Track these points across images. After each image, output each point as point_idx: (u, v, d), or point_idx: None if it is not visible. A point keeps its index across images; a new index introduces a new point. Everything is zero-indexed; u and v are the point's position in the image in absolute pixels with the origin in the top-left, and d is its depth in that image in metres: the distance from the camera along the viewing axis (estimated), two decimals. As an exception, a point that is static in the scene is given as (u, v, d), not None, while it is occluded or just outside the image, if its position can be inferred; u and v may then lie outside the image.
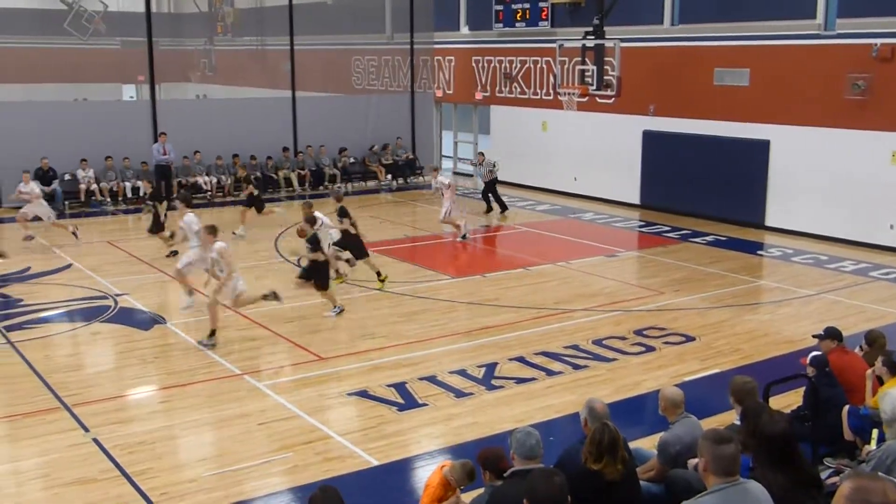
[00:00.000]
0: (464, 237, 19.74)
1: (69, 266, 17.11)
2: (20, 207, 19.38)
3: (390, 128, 28.31)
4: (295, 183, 26.12)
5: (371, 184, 27.37)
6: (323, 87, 31.56)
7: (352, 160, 27.46)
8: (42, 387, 11.03)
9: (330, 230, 15.34)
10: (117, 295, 15.06)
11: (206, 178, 25.02)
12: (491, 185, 23.10)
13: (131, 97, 38.88)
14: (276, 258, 18.12)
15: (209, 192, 24.90)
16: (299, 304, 14.70)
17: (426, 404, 10.54)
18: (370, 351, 12.41)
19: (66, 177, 23.42)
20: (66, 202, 23.03)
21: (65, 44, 37.50)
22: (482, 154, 24.02)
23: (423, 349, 12.50)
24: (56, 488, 8.53)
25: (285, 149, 26.45)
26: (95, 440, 9.49)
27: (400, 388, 10.99)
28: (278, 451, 9.31)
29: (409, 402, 10.58)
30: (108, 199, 23.69)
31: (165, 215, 18.45)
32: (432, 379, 11.30)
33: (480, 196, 23.60)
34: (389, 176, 27.73)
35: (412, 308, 14.56)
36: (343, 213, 15.71)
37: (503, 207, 23.09)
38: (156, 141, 23.93)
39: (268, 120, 26.45)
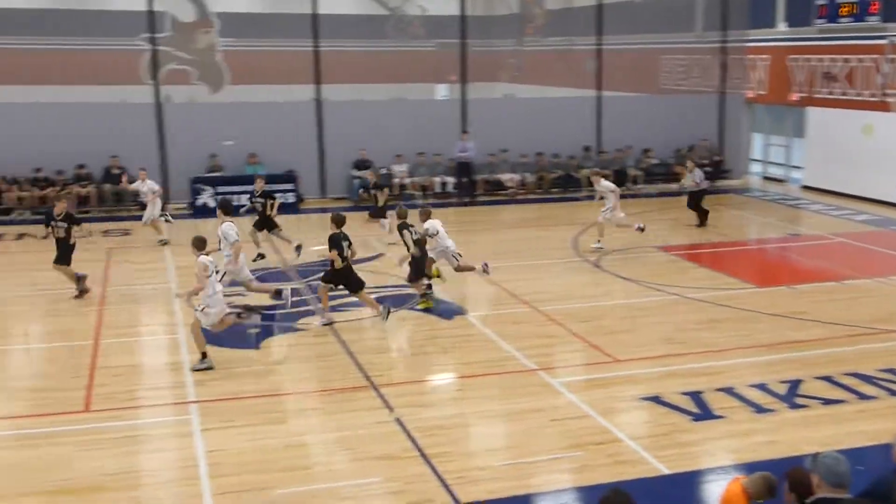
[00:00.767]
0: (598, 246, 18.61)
1: (381, 255, 18.24)
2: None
3: (697, 129, 27.51)
4: (596, 183, 26.09)
5: (675, 185, 26.73)
6: (628, 86, 31.26)
7: (655, 161, 27.01)
8: (353, 366, 11.87)
9: (447, 241, 15.05)
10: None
11: (510, 176, 25.65)
12: (699, 195, 21.35)
13: (444, 96, 40.67)
14: (575, 258, 18.19)
15: (512, 189, 25.51)
16: (595, 305, 14.73)
17: (722, 416, 10.17)
18: (666, 356, 12.15)
19: (383, 170, 24.98)
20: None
21: (387, 47, 39.98)
22: (692, 161, 22.39)
23: (721, 359, 12.06)
24: (363, 461, 9.16)
25: (587, 148, 26.54)
26: (398, 420, 10.06)
27: (695, 396, 10.68)
28: (569, 448, 9.39)
29: (704, 413, 10.26)
30: (419, 193, 24.95)
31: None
32: (730, 391, 10.87)
33: (687, 206, 21.64)
34: (694, 178, 26.93)
35: (712, 315, 14.08)
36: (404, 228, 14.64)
37: (703, 222, 21.27)
38: (464, 139, 25.00)
39: (571, 119, 26.66)
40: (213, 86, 32.95)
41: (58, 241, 14.80)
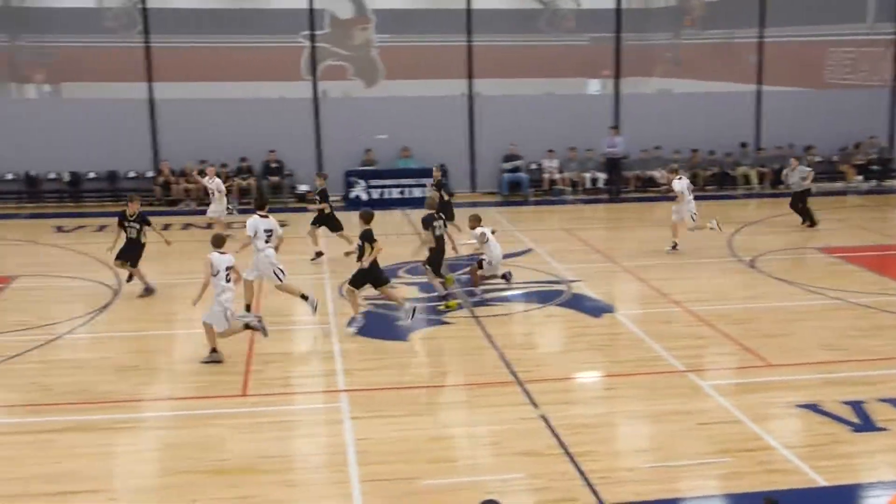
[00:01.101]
0: (674, 246, 17.78)
1: (529, 250, 18.21)
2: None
3: (865, 125, 26.14)
4: (754, 180, 25.24)
5: (839, 185, 25.55)
6: (791, 80, 30.02)
7: (818, 159, 25.82)
8: (500, 360, 11.90)
9: (496, 249, 14.72)
10: (571, 281, 15.72)
11: (663, 172, 25.07)
12: (801, 196, 19.99)
13: (596, 91, 40.24)
14: (730, 257, 17.64)
15: (665, 187, 24.91)
16: (749, 307, 14.26)
17: (886, 429, 9.64)
18: (826, 363, 11.61)
19: (532, 166, 24.95)
20: (532, 189, 24.57)
21: (539, 41, 39.84)
22: (797, 159, 20.85)
23: (886, 368, 11.43)
24: (506, 456, 9.17)
25: (744, 144, 25.68)
26: (543, 417, 10.02)
27: (856, 406, 10.15)
28: (717, 454, 9.11)
29: (865, 424, 9.75)
30: (570, 189, 24.76)
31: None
32: (895, 402, 10.28)
33: (790, 207, 20.35)
34: (860, 177, 25.65)
35: (877, 322, 13.35)
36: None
37: (812, 221, 19.91)
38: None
39: (729, 114, 25.83)
40: (369, 81, 33.69)
41: (129, 240, 15.12)
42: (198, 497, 8.35)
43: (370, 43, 33.96)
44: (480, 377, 11.38)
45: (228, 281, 11.85)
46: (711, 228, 17.81)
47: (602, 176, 24.82)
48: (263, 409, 10.46)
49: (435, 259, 14.47)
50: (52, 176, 23.72)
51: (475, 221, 14.86)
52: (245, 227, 13.68)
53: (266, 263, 13.40)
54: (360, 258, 12.96)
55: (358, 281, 13.06)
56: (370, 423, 9.95)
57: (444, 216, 15.08)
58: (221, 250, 11.91)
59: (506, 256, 17.40)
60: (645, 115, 25.33)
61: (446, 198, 18.59)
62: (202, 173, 20.27)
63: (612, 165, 24.63)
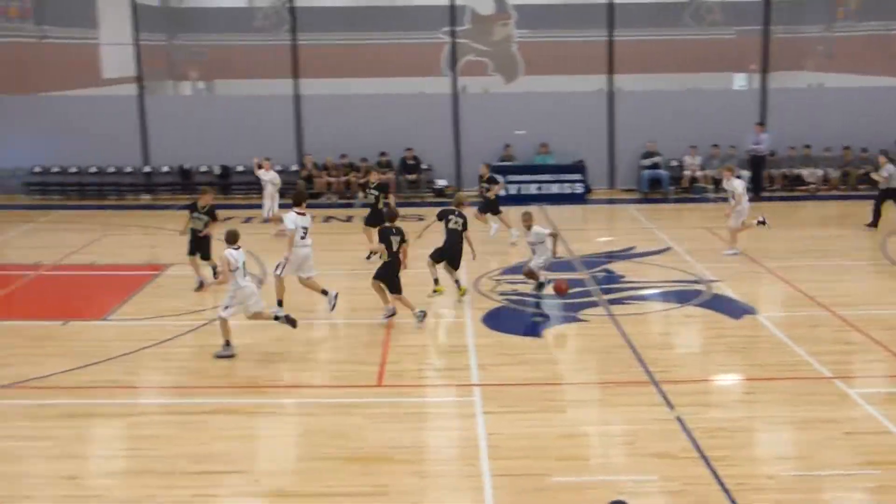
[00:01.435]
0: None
1: (668, 249, 17.85)
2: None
3: None
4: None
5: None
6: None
7: (982, 157, 24.29)
8: (635, 360, 11.73)
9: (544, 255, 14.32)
10: (711, 281, 15.33)
11: (811, 171, 24.14)
12: (886, 194, 18.89)
13: (741, 86, 39.05)
14: (883, 260, 16.85)
15: (813, 185, 24.00)
16: (903, 312, 13.61)
17: None
18: None
19: (673, 162, 24.43)
20: (672, 187, 24.07)
21: (683, 35, 38.95)
22: (885, 156, 19.28)
23: None
24: (639, 457, 9.05)
25: (901, 142, 24.42)
26: (678, 419, 9.82)
27: None
28: (864, 465, 8.75)
29: None
30: (711, 186, 24.11)
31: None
32: None
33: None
34: None
35: None
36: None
37: (874, 223, 18.98)
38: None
39: (885, 110, 24.53)
40: (508, 76, 33.74)
41: (194, 231, 15.25)
42: (334, 483, 8.59)
43: (510, 38, 33.97)
44: (615, 376, 11.26)
45: (246, 275, 12.01)
46: (760, 223, 17.10)
47: (746, 174, 24.05)
48: (398, 399, 10.66)
49: (442, 250, 14.56)
50: (204, 169, 24.80)
51: (528, 220, 14.60)
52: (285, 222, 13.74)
53: (305, 257, 13.64)
54: (392, 253, 13.24)
55: (381, 276, 13.31)
56: (502, 418, 10.00)
57: (464, 216, 14.74)
58: (235, 246, 11.92)
59: (644, 254, 17.21)
60: (794, 110, 24.42)
61: (492, 196, 18.56)
62: (260, 166, 20.12)
63: (757, 163, 23.84)
